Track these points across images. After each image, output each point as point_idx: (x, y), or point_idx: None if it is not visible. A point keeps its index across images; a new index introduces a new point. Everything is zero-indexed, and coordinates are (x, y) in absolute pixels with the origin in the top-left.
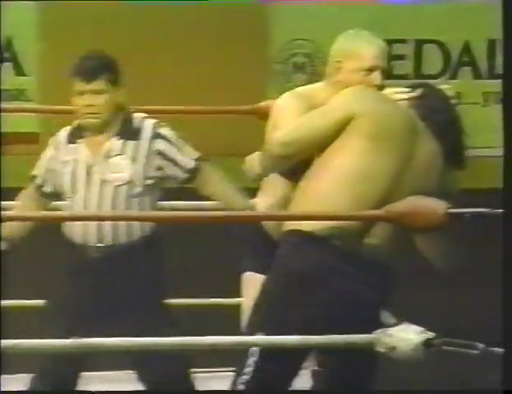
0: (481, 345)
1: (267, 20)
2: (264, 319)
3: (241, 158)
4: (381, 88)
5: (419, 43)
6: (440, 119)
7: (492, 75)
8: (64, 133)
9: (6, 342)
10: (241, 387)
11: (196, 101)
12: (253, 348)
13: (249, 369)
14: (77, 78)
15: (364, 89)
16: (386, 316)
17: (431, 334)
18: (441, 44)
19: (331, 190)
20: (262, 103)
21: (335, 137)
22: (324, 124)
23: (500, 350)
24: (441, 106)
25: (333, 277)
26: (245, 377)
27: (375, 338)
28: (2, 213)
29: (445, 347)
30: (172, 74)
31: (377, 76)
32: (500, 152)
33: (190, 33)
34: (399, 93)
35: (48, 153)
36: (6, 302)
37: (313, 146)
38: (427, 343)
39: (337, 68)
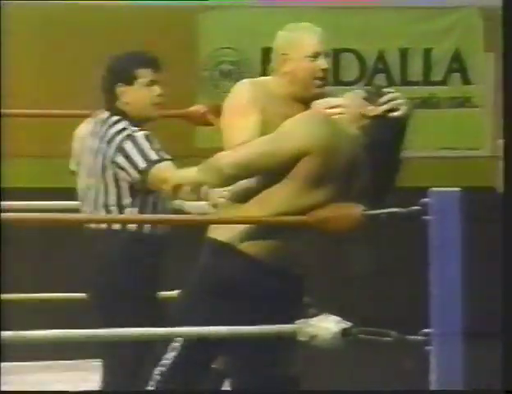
0: (394, 333)
1: (196, 29)
2: (180, 318)
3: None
4: (325, 71)
5: (337, 52)
6: (382, 156)
7: (405, 82)
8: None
9: (6, 333)
10: (158, 378)
11: None
12: (175, 343)
13: (166, 361)
14: (145, 68)
15: (320, 122)
16: (308, 307)
17: (348, 323)
18: (357, 53)
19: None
20: (192, 108)
21: (284, 165)
22: (275, 152)
23: (412, 337)
24: (388, 138)
25: (244, 285)
26: (162, 369)
27: (297, 328)
28: (2, 214)
29: (361, 335)
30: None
31: (322, 61)
32: (412, 153)
33: (121, 38)
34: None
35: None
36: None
37: (262, 170)
38: (344, 332)
39: (284, 60)
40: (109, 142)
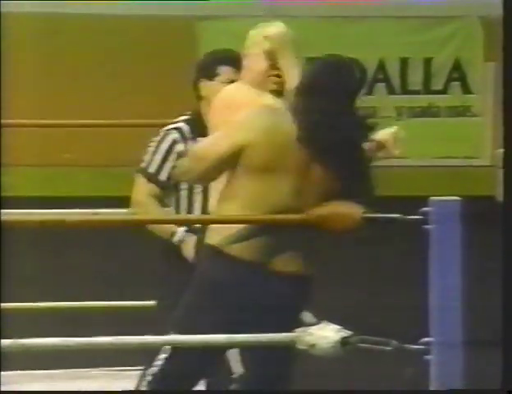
0: (394, 342)
1: (197, 38)
2: (179, 322)
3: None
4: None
5: None
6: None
7: (405, 91)
8: (185, 126)
9: (5, 341)
10: (149, 378)
11: (129, 114)
12: (160, 359)
13: (158, 363)
14: (227, 66)
15: (259, 115)
16: (306, 316)
17: (347, 332)
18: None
19: (237, 211)
20: None
21: (233, 162)
22: (221, 150)
23: (412, 346)
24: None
25: (243, 289)
26: (154, 369)
27: (296, 336)
28: (3, 218)
29: (360, 344)
30: (105, 88)
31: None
32: (412, 162)
33: (121, 48)
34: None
35: (165, 145)
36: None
37: (218, 167)
38: (344, 341)
39: (244, 56)
40: None
